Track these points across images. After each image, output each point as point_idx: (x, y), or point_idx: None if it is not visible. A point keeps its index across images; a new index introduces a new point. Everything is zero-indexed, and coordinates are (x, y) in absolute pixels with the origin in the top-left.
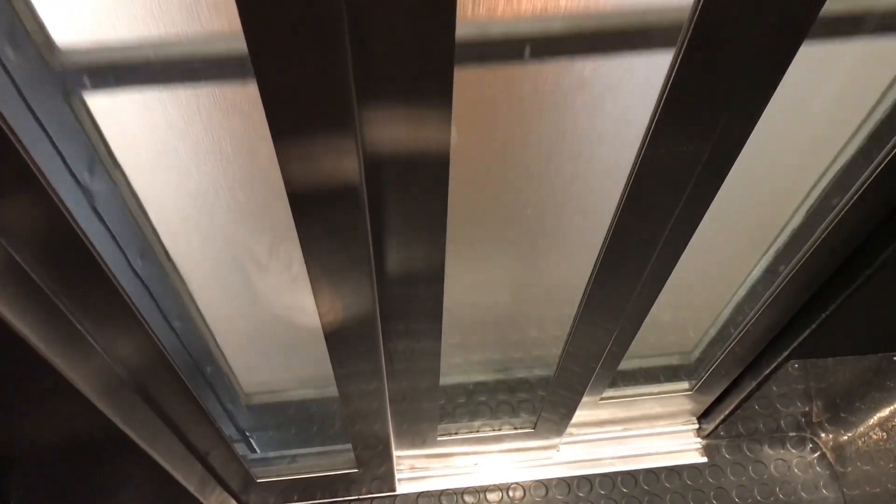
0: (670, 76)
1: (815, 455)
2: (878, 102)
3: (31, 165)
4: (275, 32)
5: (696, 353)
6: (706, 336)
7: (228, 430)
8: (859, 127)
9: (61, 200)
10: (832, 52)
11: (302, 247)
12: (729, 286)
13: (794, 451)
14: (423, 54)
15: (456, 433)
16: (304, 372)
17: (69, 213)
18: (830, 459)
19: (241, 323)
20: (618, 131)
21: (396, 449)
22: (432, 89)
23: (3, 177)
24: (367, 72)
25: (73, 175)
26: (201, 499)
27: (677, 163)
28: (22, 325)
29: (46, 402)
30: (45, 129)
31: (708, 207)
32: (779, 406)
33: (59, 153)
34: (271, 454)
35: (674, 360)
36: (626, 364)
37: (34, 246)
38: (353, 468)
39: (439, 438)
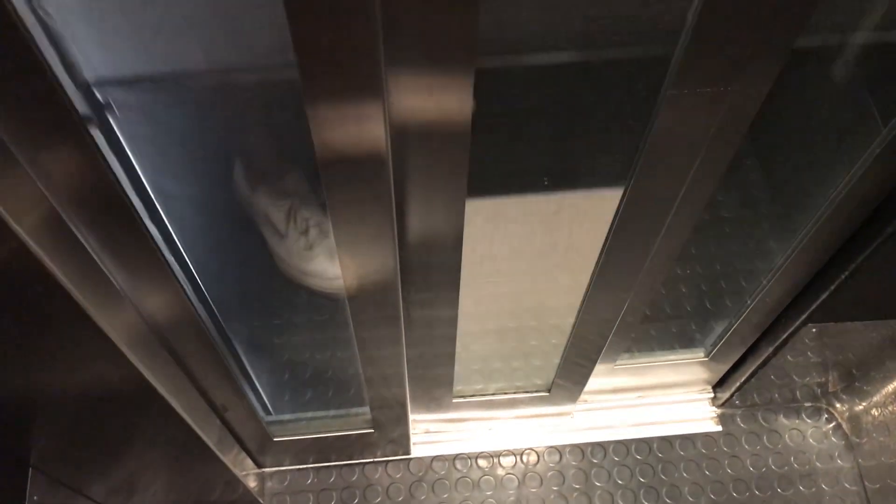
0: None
1: (831, 425)
2: None
3: (75, 117)
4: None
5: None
6: (721, 305)
7: (247, 390)
8: None
9: (100, 151)
10: None
11: (330, 210)
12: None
13: (809, 421)
14: (448, 21)
15: (471, 397)
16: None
17: (107, 164)
18: (846, 430)
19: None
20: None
21: (412, 412)
22: (456, 58)
23: (49, 128)
24: (396, 39)
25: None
26: (220, 455)
27: (698, 108)
28: (60, 273)
29: (76, 349)
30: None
31: (726, 165)
32: (794, 376)
33: (95, 98)
34: (288, 416)
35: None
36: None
37: (73, 196)
38: (370, 429)
39: (454, 402)
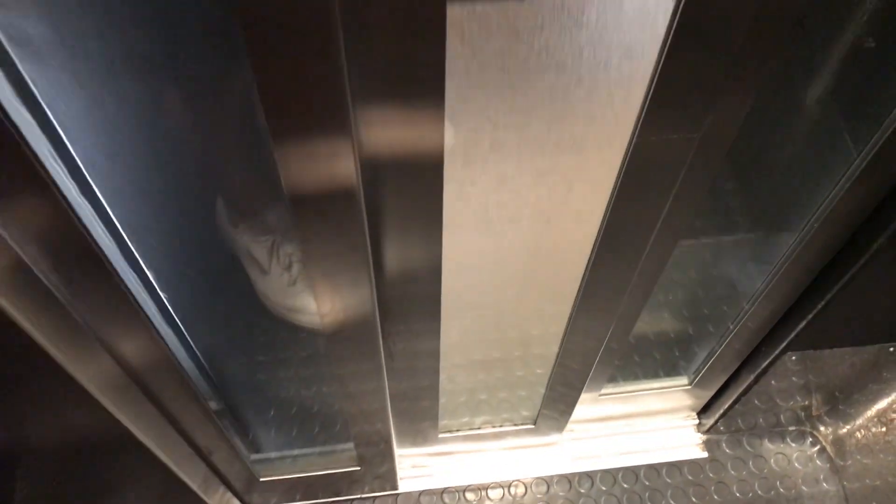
0: (658, 64)
1: (815, 449)
2: None
3: (34, 161)
4: (273, 36)
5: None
6: (704, 331)
7: (230, 431)
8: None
9: (65, 199)
10: None
11: (301, 246)
12: (725, 281)
13: (793, 445)
14: (415, 56)
15: (457, 430)
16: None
17: (74, 213)
18: (830, 453)
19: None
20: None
21: (398, 447)
22: (425, 90)
23: (10, 177)
24: (362, 74)
25: (77, 172)
26: (205, 498)
27: (668, 151)
28: (28, 324)
29: (52, 400)
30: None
31: (700, 197)
32: (778, 400)
33: (64, 151)
34: (274, 454)
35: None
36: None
37: (41, 245)
38: (356, 467)
39: (440, 436)
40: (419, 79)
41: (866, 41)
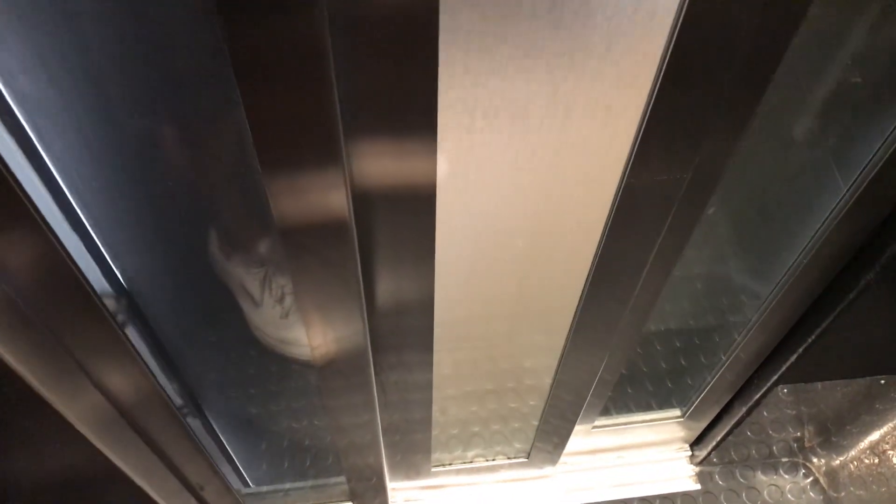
0: (648, 107)
1: (808, 480)
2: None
3: (20, 196)
4: (263, 69)
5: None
6: (696, 364)
7: (221, 465)
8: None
9: (52, 233)
10: None
11: (293, 279)
12: (717, 313)
13: (787, 476)
14: (407, 88)
15: (450, 464)
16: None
17: (63, 248)
18: (823, 485)
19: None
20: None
21: (390, 481)
22: (418, 122)
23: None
24: (354, 106)
25: (63, 205)
26: None
27: (658, 191)
28: (14, 360)
29: (40, 438)
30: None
31: (690, 235)
32: (771, 432)
33: (51, 183)
34: (265, 488)
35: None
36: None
37: (27, 279)
38: (348, 501)
39: (433, 469)
40: (412, 113)
41: (852, 77)
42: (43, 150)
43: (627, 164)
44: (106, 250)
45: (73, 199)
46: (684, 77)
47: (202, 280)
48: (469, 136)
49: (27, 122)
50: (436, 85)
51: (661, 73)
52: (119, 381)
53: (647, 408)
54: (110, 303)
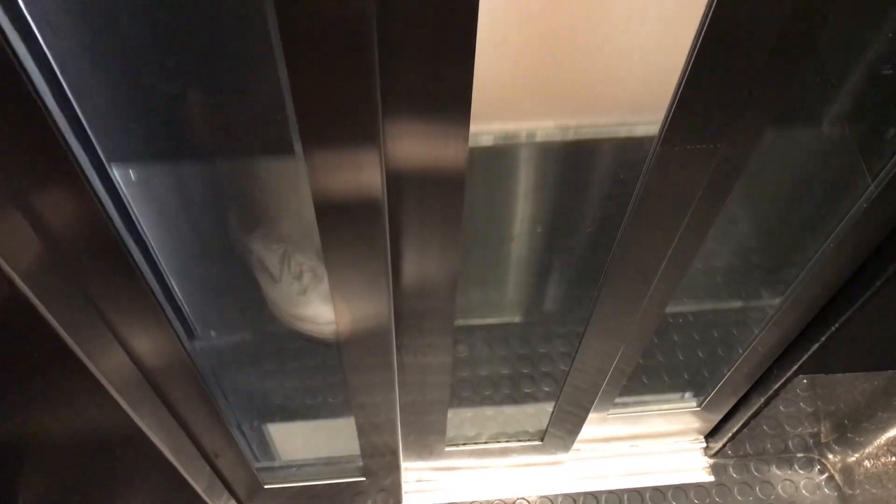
0: (685, 71)
1: (823, 476)
2: None
3: (69, 157)
4: (310, 45)
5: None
6: (715, 354)
7: (237, 436)
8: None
9: (96, 196)
10: None
11: (324, 255)
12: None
13: (801, 471)
14: (444, 76)
15: (463, 445)
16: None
17: (104, 210)
18: (838, 481)
19: None
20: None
21: (404, 460)
22: (452, 108)
23: (42, 169)
24: (393, 89)
25: (107, 173)
26: (209, 502)
27: (688, 165)
28: (49, 313)
29: (65, 392)
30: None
31: (715, 219)
32: (787, 426)
33: (93, 147)
34: (279, 462)
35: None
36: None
37: (68, 240)
38: (361, 478)
39: (447, 450)
40: (447, 99)
41: (884, 68)
42: (83, 115)
43: (661, 130)
44: (142, 219)
45: (111, 163)
46: (724, 42)
47: (224, 255)
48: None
49: (70, 90)
50: (471, 74)
51: (701, 37)
52: (148, 344)
53: (664, 397)
54: (144, 269)
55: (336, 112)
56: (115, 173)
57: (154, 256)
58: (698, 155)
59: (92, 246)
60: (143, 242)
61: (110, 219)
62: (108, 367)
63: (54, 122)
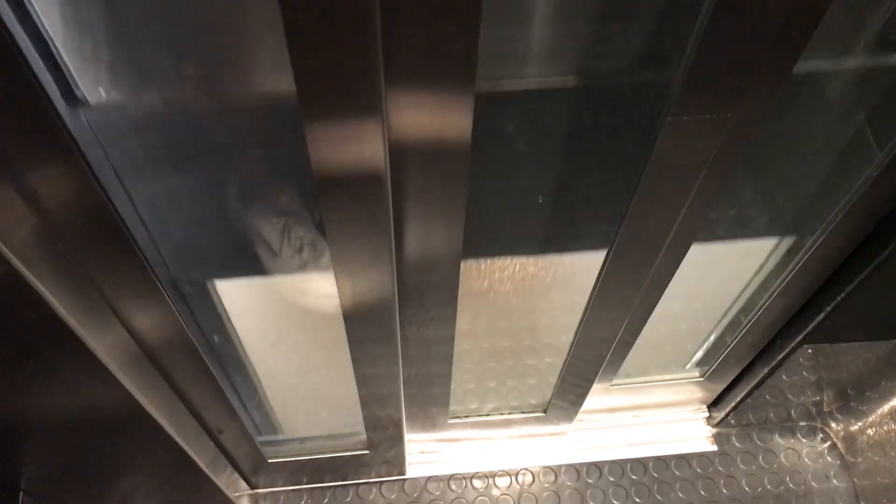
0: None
1: (826, 445)
2: None
3: (64, 133)
4: (311, 15)
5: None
6: (718, 325)
7: (240, 411)
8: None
9: (92, 172)
10: None
11: (326, 228)
12: (743, 274)
13: (804, 440)
14: (449, 44)
15: (466, 417)
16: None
17: (100, 185)
18: (841, 449)
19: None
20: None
21: (407, 432)
22: (456, 77)
23: (38, 145)
24: (395, 58)
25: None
26: (213, 477)
27: (697, 136)
28: (48, 292)
29: (65, 370)
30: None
31: (723, 189)
32: (789, 395)
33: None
34: (282, 436)
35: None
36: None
37: (64, 217)
38: (364, 450)
39: (450, 422)
40: (452, 67)
41: (891, 34)
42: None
43: (670, 100)
44: (136, 192)
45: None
46: (734, 14)
47: (223, 228)
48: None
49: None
50: (476, 42)
51: (712, 6)
52: (147, 321)
53: (667, 368)
54: (143, 244)
55: (337, 81)
56: (109, 148)
57: (151, 233)
58: (707, 125)
59: (89, 222)
60: (140, 219)
61: (107, 194)
62: (108, 344)
63: (49, 100)
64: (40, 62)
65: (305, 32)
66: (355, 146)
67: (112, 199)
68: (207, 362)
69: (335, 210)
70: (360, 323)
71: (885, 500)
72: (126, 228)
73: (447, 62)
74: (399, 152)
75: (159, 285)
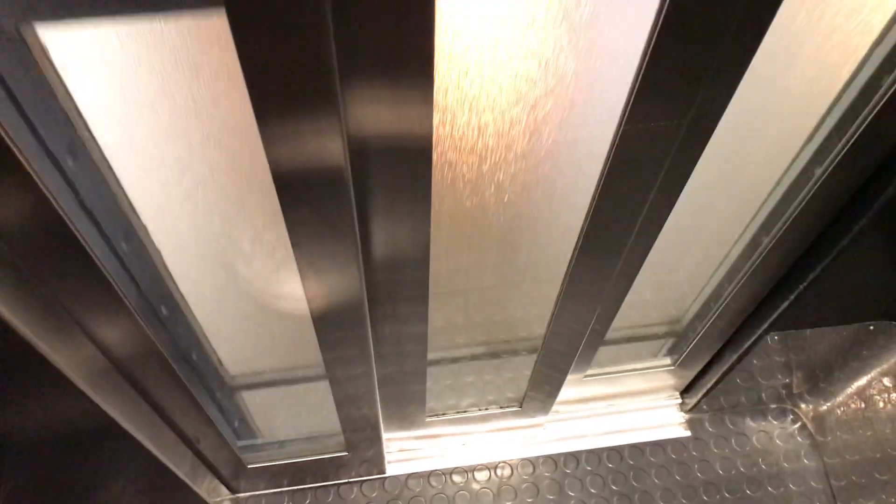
0: (647, 50)
1: (797, 426)
2: (853, 75)
3: (14, 151)
4: (258, 10)
5: (682, 326)
6: (688, 313)
7: (216, 418)
8: (835, 101)
9: (46, 187)
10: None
11: (289, 231)
12: (710, 262)
13: (775, 422)
14: (404, 33)
15: (444, 414)
16: (290, 355)
17: (55, 199)
18: (811, 429)
19: (227, 308)
20: (596, 107)
21: (385, 431)
22: (414, 69)
23: None
24: (350, 51)
25: (55, 160)
26: (193, 486)
27: (655, 139)
28: (9, 313)
29: (36, 391)
30: (23, 114)
31: (685, 183)
32: (760, 379)
33: (40, 137)
34: (261, 440)
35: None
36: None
37: (20, 234)
38: (343, 452)
39: (427, 419)
40: (409, 59)
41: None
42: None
43: (625, 109)
44: (95, 210)
45: (60, 153)
46: (683, 21)
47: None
48: (466, 79)
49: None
50: (433, 32)
51: (662, 15)
52: (114, 334)
53: (639, 356)
54: (104, 257)
55: (289, 75)
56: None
57: (110, 242)
58: (662, 132)
59: (45, 237)
60: (98, 226)
61: (61, 207)
62: (74, 359)
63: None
64: None
65: (250, 24)
66: (312, 143)
67: (69, 215)
68: (179, 373)
69: (296, 210)
70: (330, 325)
71: (854, 477)
72: (86, 244)
73: (404, 50)
74: (359, 150)
75: (123, 298)
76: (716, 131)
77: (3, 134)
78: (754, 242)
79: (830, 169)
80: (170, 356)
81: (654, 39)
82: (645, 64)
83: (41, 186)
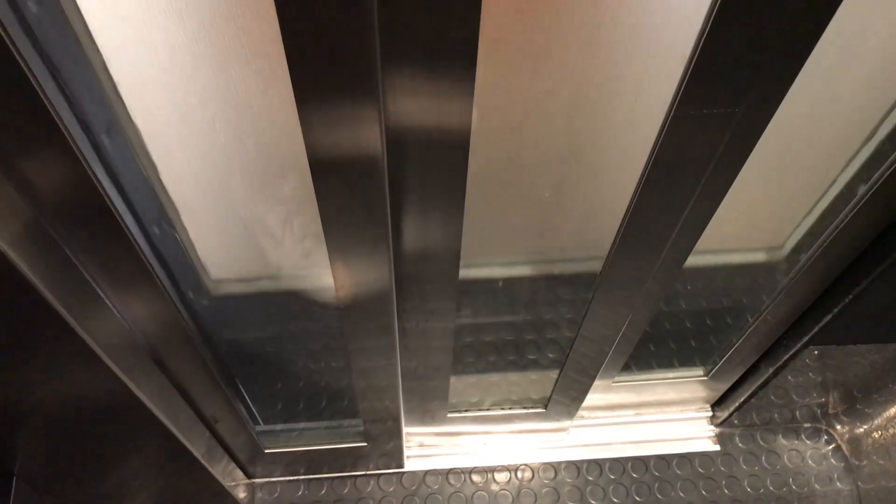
0: (702, 35)
1: (830, 447)
2: None
3: (58, 124)
4: None
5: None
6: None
7: (237, 400)
8: (889, 111)
9: (85, 160)
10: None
11: (322, 219)
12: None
13: (808, 442)
14: (449, 22)
15: (466, 411)
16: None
17: (93, 173)
18: (845, 452)
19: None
20: (647, 91)
21: (406, 425)
22: (456, 61)
23: (30, 135)
24: (393, 38)
25: (92, 136)
26: (209, 467)
27: (703, 129)
28: (39, 280)
29: (59, 360)
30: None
31: (730, 185)
32: (794, 396)
33: (80, 113)
34: (279, 426)
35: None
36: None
37: (57, 206)
38: (362, 443)
39: (449, 416)
40: (452, 51)
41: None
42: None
43: (675, 96)
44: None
45: (99, 125)
46: (742, 6)
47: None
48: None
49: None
50: (478, 25)
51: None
52: (142, 309)
53: (670, 366)
54: (136, 232)
55: (331, 63)
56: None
57: (143, 219)
58: (714, 120)
59: (81, 210)
60: (132, 204)
61: (98, 181)
62: (101, 333)
63: (39, 84)
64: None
65: (297, 8)
66: (350, 131)
67: (105, 190)
68: (203, 353)
69: (331, 197)
70: (357, 314)
71: None
72: (123, 221)
73: (447, 46)
74: (397, 139)
75: (154, 277)
76: (761, 137)
77: (45, 102)
78: (796, 254)
79: (880, 182)
80: (194, 336)
81: (710, 21)
82: (700, 46)
83: (78, 155)
